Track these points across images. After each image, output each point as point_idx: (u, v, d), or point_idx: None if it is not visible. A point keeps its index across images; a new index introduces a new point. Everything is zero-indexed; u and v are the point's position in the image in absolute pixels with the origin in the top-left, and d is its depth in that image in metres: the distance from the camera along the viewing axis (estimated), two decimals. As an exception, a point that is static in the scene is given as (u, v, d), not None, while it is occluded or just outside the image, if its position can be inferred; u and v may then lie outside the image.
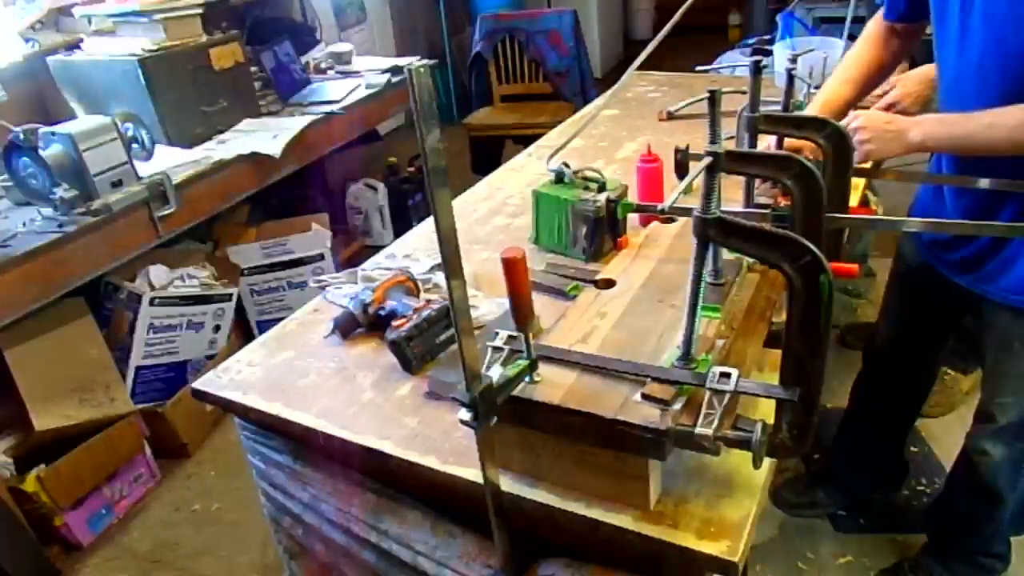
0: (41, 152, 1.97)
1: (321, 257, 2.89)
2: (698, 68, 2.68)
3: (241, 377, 1.27)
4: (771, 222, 1.18)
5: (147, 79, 2.36)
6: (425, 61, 2.57)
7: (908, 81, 1.72)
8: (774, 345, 1.02)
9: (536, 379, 0.90)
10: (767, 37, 3.01)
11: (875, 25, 1.50)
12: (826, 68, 1.82)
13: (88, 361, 2.21)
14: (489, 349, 0.94)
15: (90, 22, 2.55)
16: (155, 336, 2.36)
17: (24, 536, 1.97)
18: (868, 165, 1.43)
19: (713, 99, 0.87)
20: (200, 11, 2.56)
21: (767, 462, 0.90)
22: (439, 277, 1.43)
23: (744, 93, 1.17)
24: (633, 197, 1.48)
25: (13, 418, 2.06)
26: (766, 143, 1.37)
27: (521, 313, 0.87)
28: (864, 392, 1.87)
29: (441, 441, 1.05)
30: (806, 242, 0.75)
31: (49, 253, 1.92)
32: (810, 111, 1.48)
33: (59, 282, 1.97)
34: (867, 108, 1.57)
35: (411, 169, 3.61)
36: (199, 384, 1.27)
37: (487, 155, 3.78)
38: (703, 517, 0.89)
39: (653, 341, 0.96)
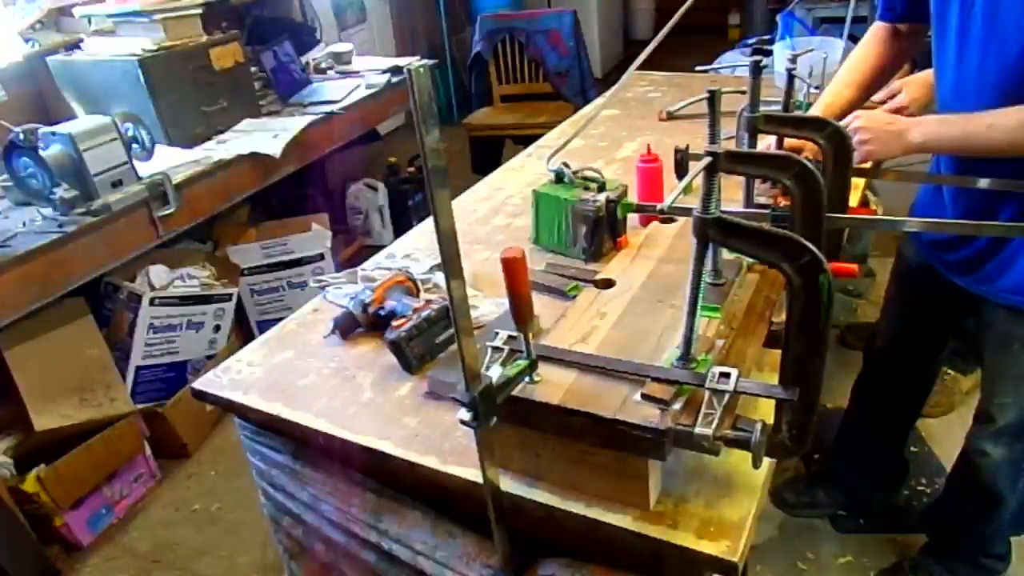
0: (41, 152, 1.97)
1: (321, 257, 2.89)
2: (698, 68, 2.67)
3: (241, 377, 1.27)
4: (771, 222, 1.18)
5: (147, 79, 2.36)
6: (425, 61, 2.56)
7: (913, 86, 1.72)
8: (774, 345, 1.02)
9: (536, 379, 0.90)
10: (767, 37, 3.01)
11: (877, 27, 1.50)
12: (826, 68, 1.82)
13: (88, 361, 2.21)
14: (489, 349, 0.94)
15: (90, 22, 2.55)
16: (155, 336, 2.36)
17: (24, 536, 1.97)
18: (868, 165, 1.43)
19: (713, 99, 0.87)
20: (200, 11, 2.56)
21: (767, 462, 0.90)
22: (439, 277, 1.43)
23: (744, 93, 1.17)
24: (633, 197, 1.48)
25: (13, 418, 2.06)
26: (766, 143, 1.37)
27: (521, 313, 0.87)
28: (864, 392, 1.87)
29: (441, 441, 1.05)
30: (806, 242, 0.75)
31: (49, 253, 1.92)
32: (813, 114, 1.48)
33: (59, 282, 1.97)
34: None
35: (411, 169, 3.61)
36: (199, 384, 1.27)
37: (487, 155, 3.78)
38: (703, 517, 0.89)
39: (653, 341, 0.96)
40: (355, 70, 3.32)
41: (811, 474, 2.11)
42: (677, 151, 1.29)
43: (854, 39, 1.61)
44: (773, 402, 0.85)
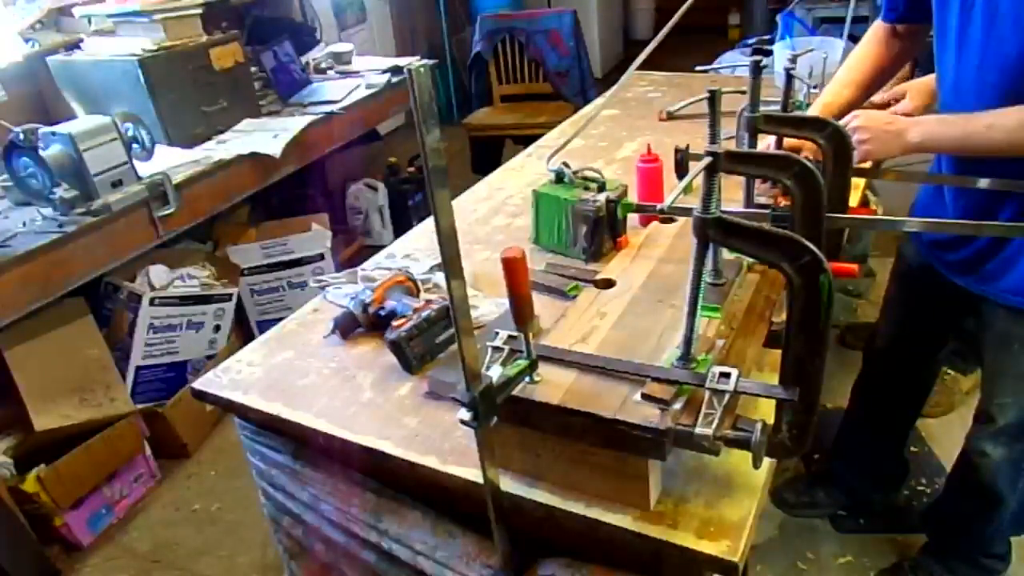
0: (41, 152, 1.97)
1: (321, 257, 2.89)
2: (698, 68, 2.67)
3: (241, 377, 1.27)
4: (771, 222, 1.18)
5: (147, 79, 2.36)
6: (425, 61, 2.56)
7: (917, 92, 1.71)
8: (774, 345, 1.02)
9: (536, 379, 0.90)
10: (767, 37, 3.01)
11: (877, 27, 1.50)
12: (826, 68, 1.82)
13: (88, 361, 2.21)
14: (489, 349, 0.94)
15: (90, 22, 2.55)
16: (155, 336, 2.36)
17: (24, 536, 1.97)
18: (868, 165, 1.43)
19: (713, 99, 0.87)
20: (200, 11, 2.56)
21: (767, 462, 0.90)
22: (439, 277, 1.43)
23: (744, 93, 1.17)
24: (633, 197, 1.48)
25: (13, 418, 2.07)
26: (766, 143, 1.37)
27: (521, 313, 0.87)
28: (864, 392, 1.87)
29: (441, 441, 1.05)
30: (806, 242, 0.75)
31: (49, 253, 1.92)
32: (812, 114, 1.48)
33: (59, 282, 1.97)
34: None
35: (411, 169, 3.61)
36: (199, 384, 1.27)
37: (487, 155, 3.78)
38: (703, 517, 0.89)
39: (653, 341, 0.96)
40: (355, 70, 3.32)
41: (811, 474, 2.11)
42: (677, 151, 1.29)
43: (854, 39, 1.61)
44: (773, 402, 0.85)
